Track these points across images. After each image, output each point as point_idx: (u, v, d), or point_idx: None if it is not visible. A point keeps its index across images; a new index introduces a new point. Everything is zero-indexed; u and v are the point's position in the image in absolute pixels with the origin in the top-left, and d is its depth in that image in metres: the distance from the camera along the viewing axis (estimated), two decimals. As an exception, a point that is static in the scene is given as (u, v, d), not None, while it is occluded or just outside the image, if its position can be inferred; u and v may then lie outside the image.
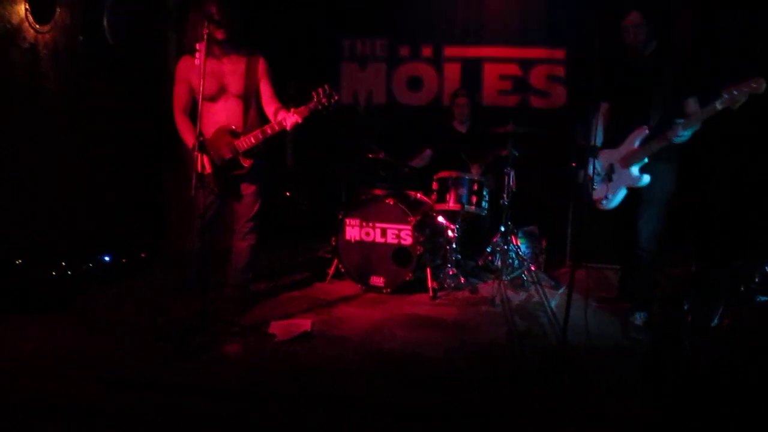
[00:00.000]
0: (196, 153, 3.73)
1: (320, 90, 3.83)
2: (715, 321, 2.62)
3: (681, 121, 3.64)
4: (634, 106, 4.04)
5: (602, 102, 4.37)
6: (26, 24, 4.53)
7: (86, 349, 3.60)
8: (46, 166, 4.72)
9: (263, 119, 4.17)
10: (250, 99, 4.16)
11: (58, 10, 4.81)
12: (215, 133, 4.08)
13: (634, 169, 3.98)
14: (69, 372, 3.31)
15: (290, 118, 3.89)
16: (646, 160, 3.94)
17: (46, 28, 4.70)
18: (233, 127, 4.08)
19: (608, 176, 4.18)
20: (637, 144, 3.97)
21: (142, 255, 5.47)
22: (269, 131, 3.97)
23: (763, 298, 2.59)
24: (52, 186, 4.77)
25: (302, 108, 3.87)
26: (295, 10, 6.64)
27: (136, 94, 5.70)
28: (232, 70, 4.09)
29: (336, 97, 3.84)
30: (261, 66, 4.17)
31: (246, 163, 4.13)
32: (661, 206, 4.04)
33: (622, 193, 4.10)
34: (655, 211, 4.04)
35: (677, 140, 3.71)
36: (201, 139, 3.75)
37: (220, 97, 4.08)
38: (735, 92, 3.34)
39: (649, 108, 3.94)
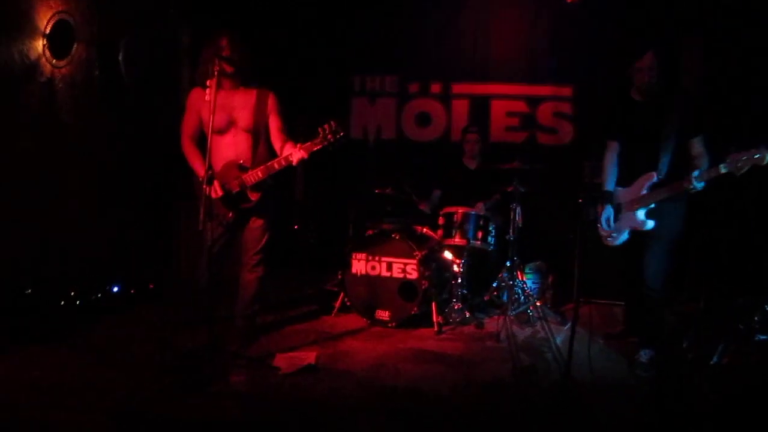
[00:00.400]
0: (205, 186, 3.78)
1: (326, 126, 3.86)
2: (715, 359, 2.63)
3: (697, 174, 3.63)
4: (643, 147, 4.04)
5: (610, 141, 4.39)
6: (44, 59, 4.65)
7: (93, 380, 3.62)
8: (59, 197, 4.79)
9: (272, 153, 4.23)
10: (259, 133, 4.22)
11: (76, 45, 4.94)
12: (224, 167, 4.14)
13: (640, 213, 3.97)
14: (75, 403, 3.33)
15: (296, 154, 3.93)
16: (653, 205, 3.94)
17: (63, 63, 4.82)
18: (241, 161, 4.13)
19: (615, 215, 4.19)
20: (645, 190, 3.95)
21: (151, 286, 5.52)
22: (276, 166, 4.01)
23: (763, 337, 2.60)
24: (64, 216, 4.84)
25: (308, 144, 3.90)
26: (308, 46, 6.77)
27: (150, 128, 5.80)
28: (242, 104, 4.15)
29: (341, 133, 3.86)
30: (271, 101, 4.24)
31: (253, 197, 4.18)
32: (668, 245, 4.01)
33: (626, 233, 4.12)
34: (662, 249, 4.00)
35: (692, 190, 3.70)
36: (210, 172, 3.82)
37: (229, 131, 4.15)
38: (739, 162, 3.34)
39: (659, 150, 3.95)
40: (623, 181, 4.20)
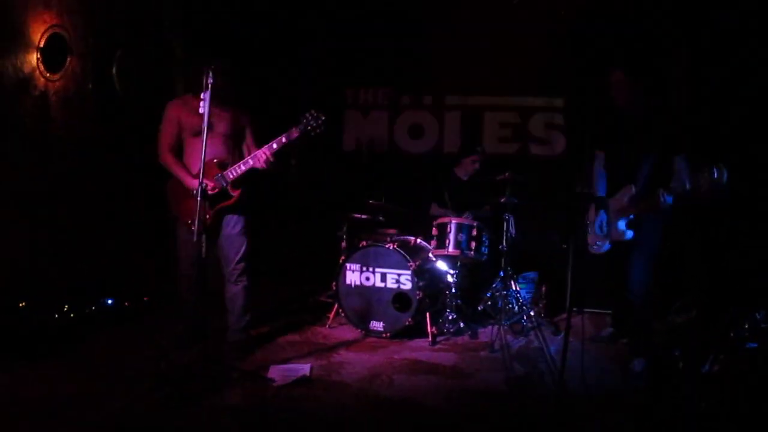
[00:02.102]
0: (199, 198, 3.81)
1: (308, 114, 4.12)
2: (706, 367, 2.66)
3: (662, 190, 3.71)
4: (624, 158, 4.12)
5: (597, 151, 4.45)
6: (37, 72, 4.67)
7: (87, 393, 3.62)
8: (52, 210, 4.80)
9: None
10: (235, 138, 4.41)
11: (69, 59, 4.95)
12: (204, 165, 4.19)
13: (621, 224, 4.05)
14: (69, 417, 3.33)
15: (275, 141, 4.16)
16: (632, 216, 4.01)
17: (56, 76, 4.84)
18: (221, 159, 4.28)
19: (600, 226, 4.25)
20: (626, 200, 4.05)
21: (145, 298, 5.52)
22: (256, 161, 4.18)
23: (753, 345, 2.63)
24: (57, 229, 4.84)
25: (290, 131, 4.13)
26: (300, 58, 6.80)
27: (144, 141, 5.80)
28: (218, 115, 4.26)
29: (323, 118, 4.11)
30: (247, 117, 4.48)
31: (234, 192, 4.28)
32: (647, 256, 4.09)
33: (608, 243, 4.18)
34: (641, 259, 4.09)
35: (664, 205, 3.76)
36: (203, 184, 3.85)
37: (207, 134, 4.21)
38: (699, 181, 3.40)
39: (639, 162, 4.02)
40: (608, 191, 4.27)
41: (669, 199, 3.69)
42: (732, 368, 2.58)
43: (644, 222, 4.04)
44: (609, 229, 4.16)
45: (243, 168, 4.20)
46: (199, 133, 4.10)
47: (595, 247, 4.27)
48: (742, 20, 5.38)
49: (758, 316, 2.74)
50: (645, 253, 4.07)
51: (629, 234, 4.00)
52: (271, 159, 4.18)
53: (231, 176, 4.22)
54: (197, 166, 4.06)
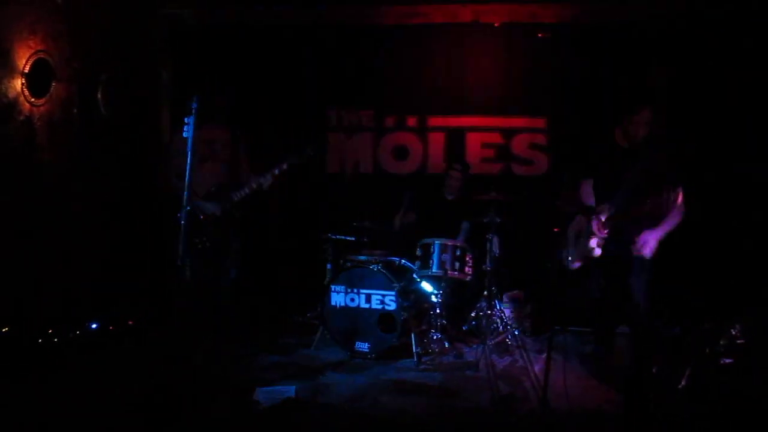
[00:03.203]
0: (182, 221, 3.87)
1: (307, 147, 4.74)
2: (683, 383, 2.70)
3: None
4: (615, 186, 4.14)
5: (586, 179, 4.49)
6: (22, 98, 4.69)
7: (71, 417, 3.61)
8: (37, 234, 4.80)
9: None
10: (234, 165, 4.76)
11: (54, 84, 4.98)
12: (209, 192, 4.63)
13: (592, 242, 4.11)
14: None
15: (279, 166, 4.68)
16: (604, 235, 4.08)
17: (41, 101, 4.86)
18: (225, 183, 4.63)
19: (576, 241, 4.31)
20: (602, 219, 4.11)
21: (130, 322, 5.49)
22: (257, 185, 4.64)
23: (728, 361, 2.68)
24: (42, 253, 4.84)
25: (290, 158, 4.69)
26: (283, 81, 6.85)
27: (131, 164, 5.84)
28: (221, 139, 4.67)
29: (312, 152, 4.69)
30: (243, 144, 4.89)
31: (236, 213, 4.70)
32: (646, 275, 4.11)
33: (579, 263, 4.23)
34: (643, 280, 4.11)
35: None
36: (188, 207, 3.91)
37: (207, 160, 4.53)
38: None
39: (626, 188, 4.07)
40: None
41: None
42: (707, 384, 2.64)
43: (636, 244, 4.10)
44: (579, 245, 4.22)
45: (247, 191, 4.64)
46: (205, 160, 4.28)
47: (567, 262, 4.33)
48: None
49: (733, 332, 2.80)
50: (643, 277, 4.09)
51: (597, 251, 4.06)
52: (271, 182, 4.66)
53: (235, 198, 4.63)
54: (202, 190, 4.45)
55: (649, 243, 3.88)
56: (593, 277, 4.29)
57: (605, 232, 4.04)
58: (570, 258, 4.30)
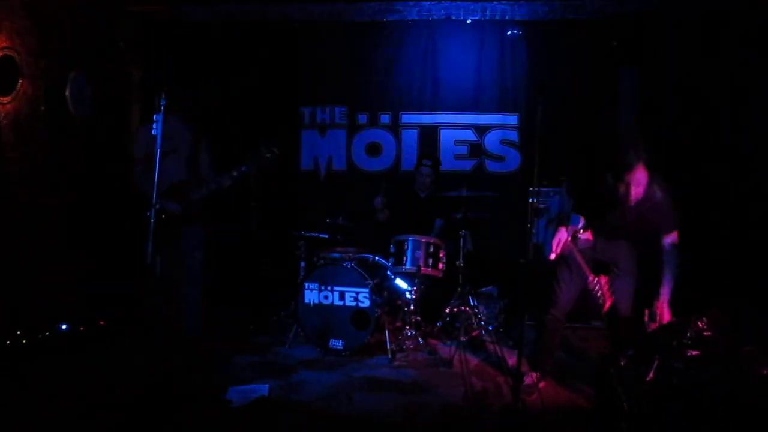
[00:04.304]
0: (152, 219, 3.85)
1: (262, 148, 4.71)
2: (650, 375, 2.74)
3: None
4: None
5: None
6: (-13, 96, 4.61)
7: (39, 421, 3.56)
8: (4, 234, 4.72)
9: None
10: (196, 161, 4.81)
11: (21, 81, 4.90)
12: (170, 187, 4.60)
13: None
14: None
15: (237, 168, 4.70)
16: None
17: (7, 99, 4.78)
18: (184, 180, 4.65)
19: (546, 230, 4.35)
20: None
21: (101, 323, 5.43)
22: (215, 185, 4.69)
23: (695, 353, 2.73)
24: (9, 253, 4.76)
25: (248, 162, 4.70)
26: (255, 79, 6.82)
27: (100, 162, 5.76)
28: (182, 136, 4.69)
29: (276, 151, 4.72)
30: (204, 142, 4.89)
31: (195, 211, 4.77)
32: (633, 277, 4.13)
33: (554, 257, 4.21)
34: (629, 281, 4.11)
35: None
36: (158, 205, 3.90)
37: (168, 156, 4.48)
38: None
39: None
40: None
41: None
42: (674, 376, 2.68)
43: (618, 248, 4.13)
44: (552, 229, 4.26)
45: (205, 192, 4.68)
46: (166, 154, 4.25)
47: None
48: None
49: (700, 324, 2.85)
50: (629, 278, 4.10)
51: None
52: (230, 183, 4.70)
53: (195, 197, 4.69)
54: (163, 186, 4.35)
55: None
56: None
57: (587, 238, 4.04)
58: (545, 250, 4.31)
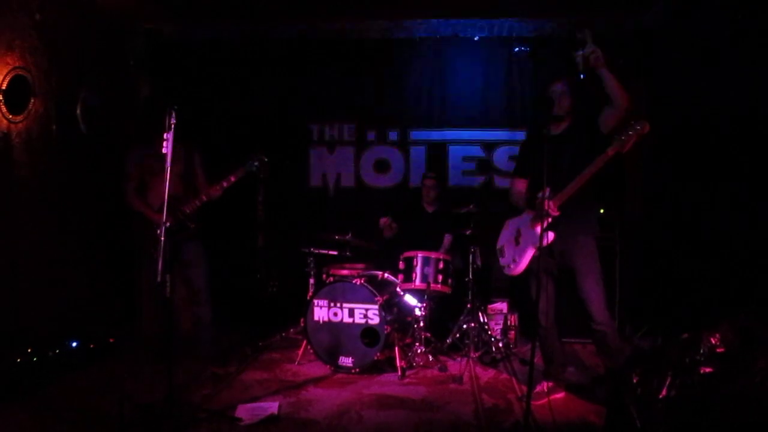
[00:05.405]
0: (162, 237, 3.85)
1: (252, 155, 4.81)
2: (663, 393, 2.72)
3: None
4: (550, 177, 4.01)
5: (520, 178, 4.48)
6: (0, 115, 4.65)
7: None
8: (15, 252, 4.75)
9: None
10: (190, 176, 4.90)
11: (33, 100, 4.95)
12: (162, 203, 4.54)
13: (537, 229, 3.97)
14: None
15: (224, 180, 4.77)
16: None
17: (19, 118, 4.83)
18: (178, 195, 4.69)
19: (516, 240, 4.31)
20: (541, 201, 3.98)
21: (110, 340, 5.44)
22: (214, 192, 4.77)
23: (708, 370, 2.70)
24: (21, 271, 4.78)
25: (237, 170, 4.78)
26: (265, 96, 6.87)
27: (110, 181, 5.79)
28: (176, 154, 4.50)
29: (265, 159, 4.81)
30: (197, 157, 5.01)
31: (191, 225, 4.82)
32: (596, 280, 4.10)
33: (529, 255, 4.16)
34: (592, 280, 4.09)
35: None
36: (167, 224, 3.90)
37: (161, 174, 4.49)
38: (623, 137, 3.59)
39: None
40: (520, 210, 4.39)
41: None
42: (687, 394, 2.65)
43: (578, 241, 4.10)
44: (522, 243, 4.22)
45: (198, 204, 4.74)
46: (160, 174, 4.24)
47: (511, 266, 4.33)
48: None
49: (713, 340, 2.82)
50: (591, 277, 4.08)
51: (550, 235, 3.94)
52: (221, 193, 4.76)
53: (188, 210, 4.75)
54: (157, 202, 4.50)
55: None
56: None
57: (557, 213, 3.93)
58: (515, 259, 4.28)
